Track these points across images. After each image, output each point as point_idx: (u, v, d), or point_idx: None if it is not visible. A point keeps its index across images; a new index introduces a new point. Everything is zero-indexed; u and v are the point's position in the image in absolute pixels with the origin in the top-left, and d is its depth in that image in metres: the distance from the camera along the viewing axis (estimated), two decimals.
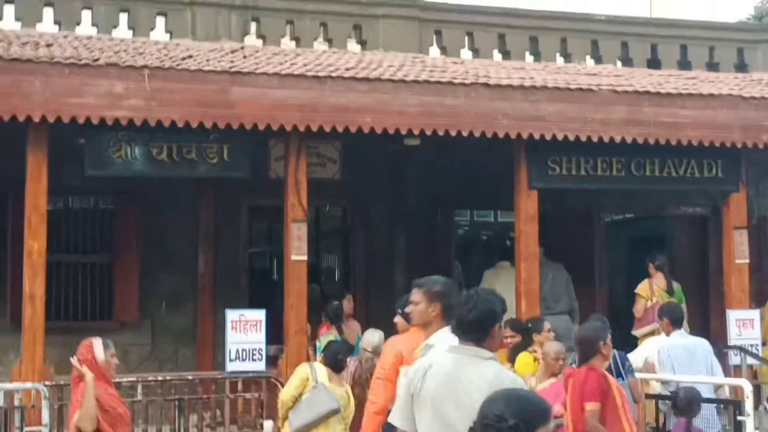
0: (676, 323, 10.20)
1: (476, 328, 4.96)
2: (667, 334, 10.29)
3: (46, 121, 10.02)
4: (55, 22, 12.89)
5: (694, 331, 11.97)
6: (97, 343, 7.40)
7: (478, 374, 4.92)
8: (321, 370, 8.91)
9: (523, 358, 9.73)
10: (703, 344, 10.27)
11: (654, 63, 15.07)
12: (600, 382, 7.61)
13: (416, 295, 6.27)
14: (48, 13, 12.89)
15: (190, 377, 10.86)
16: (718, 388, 10.07)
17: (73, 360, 7.25)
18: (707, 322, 14.22)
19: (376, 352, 9.16)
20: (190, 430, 10.25)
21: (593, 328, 8.28)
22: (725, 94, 12.23)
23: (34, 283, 10.10)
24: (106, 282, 12.90)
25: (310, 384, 8.81)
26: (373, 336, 9.87)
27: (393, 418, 5.28)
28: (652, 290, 12.80)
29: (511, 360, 9.75)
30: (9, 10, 12.76)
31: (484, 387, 4.80)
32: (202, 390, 10.67)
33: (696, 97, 12.03)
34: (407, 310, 6.45)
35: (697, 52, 15.44)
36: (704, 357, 10.05)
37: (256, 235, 15.31)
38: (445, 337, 5.99)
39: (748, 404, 9.33)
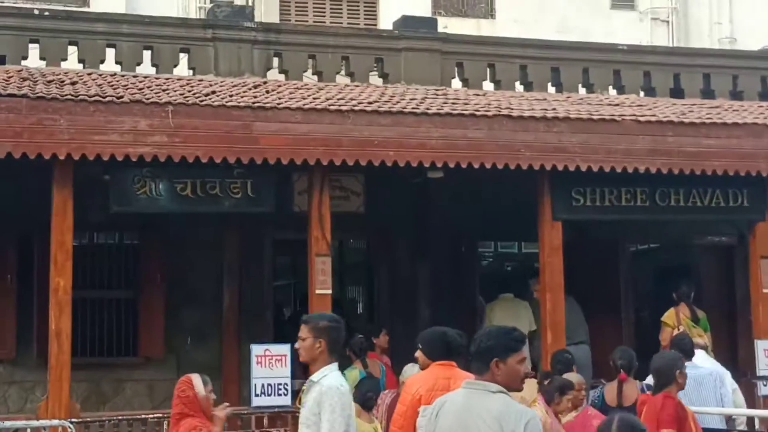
0: (684, 355, 10.19)
1: (476, 362, 5.13)
2: None
3: (71, 158, 10.09)
4: (80, 61, 12.99)
5: (721, 361, 11.85)
6: (196, 379, 7.38)
7: (485, 407, 5.06)
8: None
9: None
10: (713, 375, 10.22)
11: (677, 92, 15.04)
12: (677, 410, 7.77)
13: (303, 331, 6.29)
14: (72, 51, 13.01)
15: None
16: (729, 419, 10.04)
17: (223, 412, 7.23)
18: (735, 352, 14.11)
19: None
20: None
21: (670, 357, 8.52)
22: (750, 123, 12.18)
23: (60, 320, 10.13)
24: (131, 318, 12.92)
25: None
26: (413, 370, 9.85)
27: None
28: (679, 318, 12.73)
29: None
30: (34, 48, 12.89)
31: (490, 420, 4.99)
32: (228, 425, 10.64)
33: (720, 126, 12.00)
34: (295, 346, 6.44)
35: (721, 80, 15.39)
36: (713, 387, 10.02)
37: (280, 268, 15.31)
38: (332, 373, 6.06)
39: None
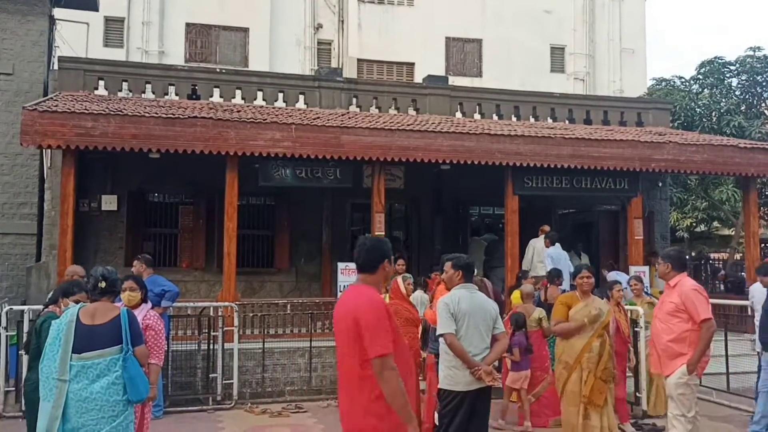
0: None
1: (469, 273, 5.36)
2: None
3: (237, 155, 10.18)
4: (242, 98, 13.05)
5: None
6: (398, 278, 7.60)
7: (484, 298, 5.18)
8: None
9: (516, 293, 9.27)
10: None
11: (588, 121, 14.80)
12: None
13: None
14: (238, 93, 13.05)
15: (317, 301, 10.95)
16: None
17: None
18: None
19: None
20: (316, 330, 10.34)
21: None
22: (628, 140, 11.90)
23: (230, 247, 10.26)
24: (270, 246, 13.05)
25: None
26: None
27: (441, 329, 5.20)
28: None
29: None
30: (216, 90, 12.94)
31: (490, 304, 5.12)
32: (323, 307, 10.79)
33: (612, 142, 11.79)
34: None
35: (614, 115, 15.09)
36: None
37: (355, 219, 15.34)
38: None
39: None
